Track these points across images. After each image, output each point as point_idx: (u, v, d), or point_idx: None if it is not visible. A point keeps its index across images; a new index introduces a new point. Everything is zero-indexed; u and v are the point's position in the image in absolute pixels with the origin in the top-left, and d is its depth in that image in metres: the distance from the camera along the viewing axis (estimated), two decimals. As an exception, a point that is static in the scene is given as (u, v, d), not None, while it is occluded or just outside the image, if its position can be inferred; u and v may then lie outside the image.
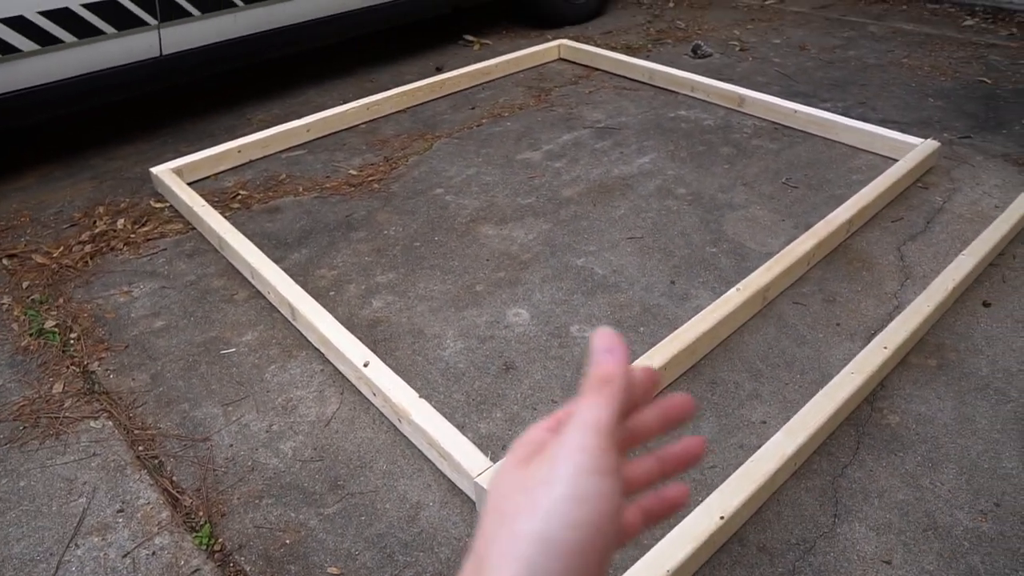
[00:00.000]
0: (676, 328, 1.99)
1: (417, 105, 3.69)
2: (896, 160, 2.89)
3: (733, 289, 2.12)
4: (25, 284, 2.50)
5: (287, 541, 1.59)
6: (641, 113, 3.49)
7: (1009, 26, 4.70)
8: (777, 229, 2.59)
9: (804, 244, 2.32)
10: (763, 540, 1.56)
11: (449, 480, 1.69)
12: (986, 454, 1.75)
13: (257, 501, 1.69)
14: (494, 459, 1.64)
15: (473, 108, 3.64)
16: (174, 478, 1.76)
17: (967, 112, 3.49)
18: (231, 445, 1.83)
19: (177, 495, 1.71)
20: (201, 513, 1.67)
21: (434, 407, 1.78)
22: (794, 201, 2.75)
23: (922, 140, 2.96)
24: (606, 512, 0.42)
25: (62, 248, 2.69)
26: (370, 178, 3.03)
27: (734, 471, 1.70)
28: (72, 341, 2.22)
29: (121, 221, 2.84)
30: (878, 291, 2.29)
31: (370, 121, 3.53)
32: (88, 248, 2.68)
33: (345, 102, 3.54)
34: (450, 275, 2.40)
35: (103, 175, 3.18)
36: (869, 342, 2.07)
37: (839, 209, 2.51)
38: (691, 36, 4.56)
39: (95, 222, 2.84)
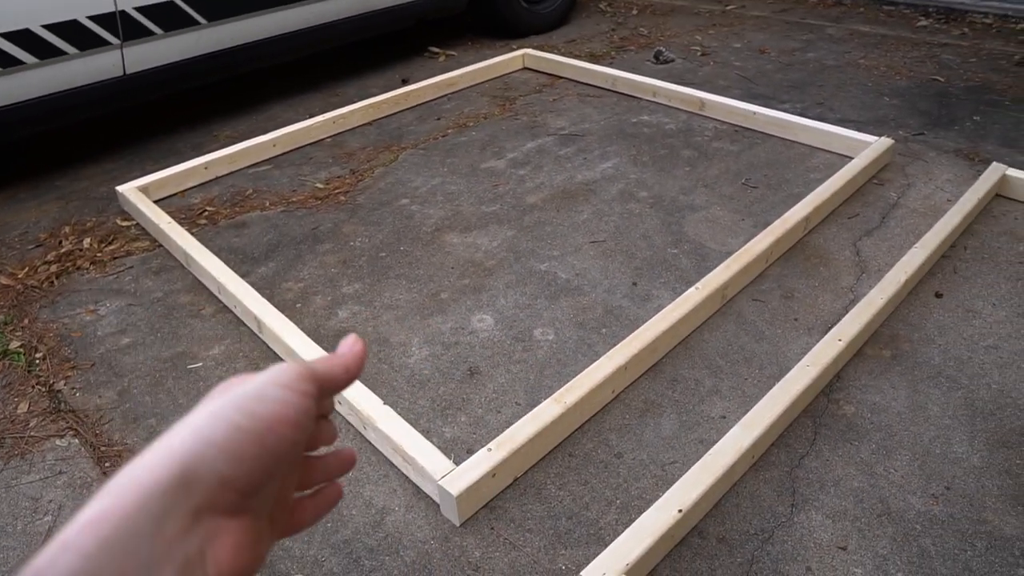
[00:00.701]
0: (637, 328, 2.02)
1: (383, 117, 3.71)
2: (852, 158, 2.95)
3: (692, 288, 2.16)
4: (-10, 306, 2.49)
5: (254, 550, 1.60)
6: (604, 119, 3.54)
7: (961, 26, 4.81)
8: (737, 228, 2.64)
9: (762, 242, 2.37)
10: (722, 532, 1.60)
11: (414, 484, 1.72)
12: (937, 440, 1.80)
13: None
14: (457, 462, 1.67)
15: (439, 119, 3.67)
16: (141, 493, 1.76)
17: (921, 110, 3.57)
18: (198, 458, 1.84)
19: (144, 509, 1.72)
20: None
21: (399, 413, 1.80)
22: (753, 201, 2.81)
23: (877, 138, 3.03)
24: (284, 419, 0.44)
25: (27, 269, 2.68)
26: (336, 191, 3.05)
27: (693, 465, 1.73)
28: (37, 361, 2.22)
29: (87, 240, 2.84)
30: (835, 286, 2.34)
31: (336, 135, 3.55)
32: (54, 268, 2.67)
33: (311, 116, 3.56)
34: (416, 283, 2.42)
35: (69, 195, 3.18)
36: (824, 334, 2.12)
37: (796, 207, 2.56)
38: (654, 42, 4.63)
39: (60, 242, 2.84)
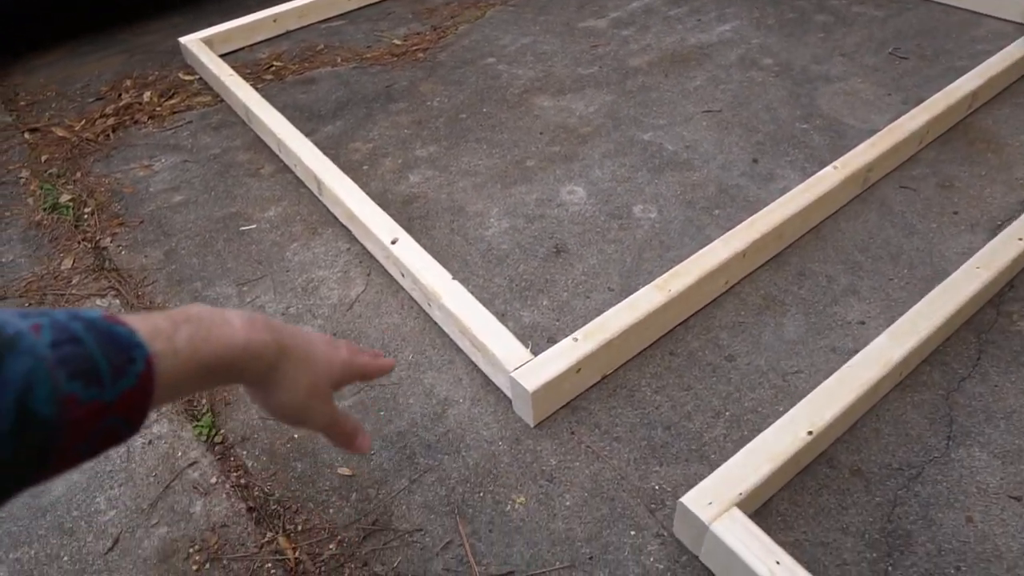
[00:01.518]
0: (758, 211, 1.67)
1: (472, -28, 3.31)
2: (1028, 29, 2.44)
3: (829, 167, 1.78)
4: (44, 158, 2.31)
5: (295, 436, 1.39)
6: (724, -21, 3.06)
7: None
8: (882, 104, 2.20)
9: (916, 119, 1.95)
10: (858, 462, 1.29)
11: (483, 374, 1.46)
12: None
13: (266, 391, 1.48)
14: (536, 351, 1.39)
15: (533, -25, 3.25)
16: (178, 362, 1.56)
17: (1114, -22, 2.94)
18: (243, 329, 1.62)
19: (180, 381, 1.52)
20: (204, 401, 1.47)
21: (470, 291, 1.53)
22: (903, 74, 2.35)
23: (1063, 4, 2.49)
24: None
25: (84, 122, 2.48)
26: (415, 47, 2.72)
27: (825, 378, 1.41)
28: (86, 216, 2.03)
29: (147, 94, 2.61)
30: (1006, 176, 1.91)
31: (419, -11, 3.18)
32: (111, 121, 2.47)
33: (392, -33, 3.19)
34: (498, 149, 2.11)
35: (133, 49, 2.95)
36: (995, 234, 1.72)
37: (959, 81, 2.11)
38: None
39: (120, 95, 2.62)
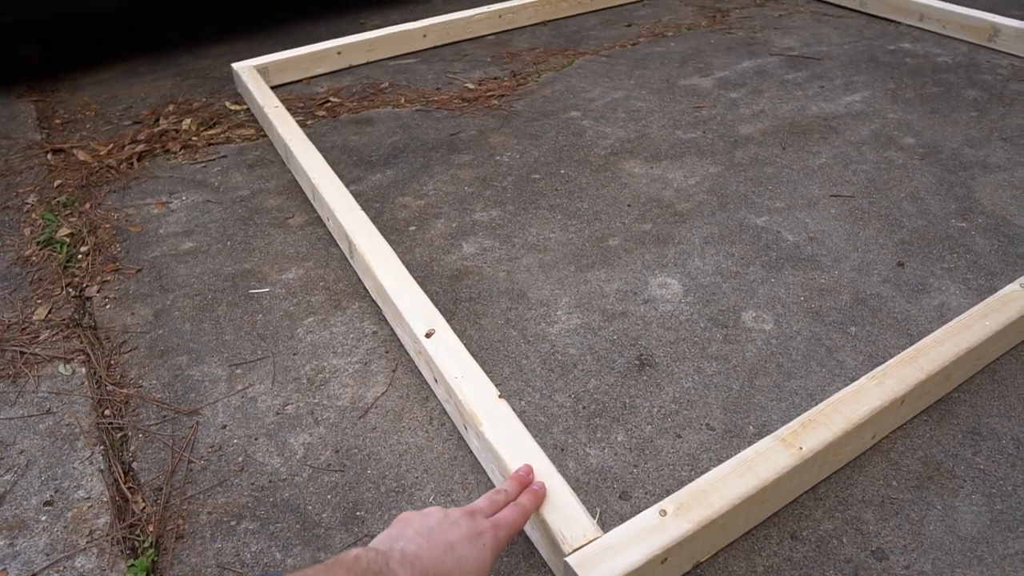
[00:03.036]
0: (909, 332, 1.24)
1: (561, 19, 3.00)
2: None
3: (1016, 284, 1.33)
4: (57, 183, 2.02)
5: (259, 601, 1.00)
6: (848, 43, 2.66)
7: None
8: (1061, 204, 1.75)
9: (1121, 228, 1.49)
10: None
11: (528, 541, 1.04)
12: None
13: (233, 523, 1.10)
14: (606, 524, 0.97)
15: (629, 25, 2.91)
16: (134, 464, 1.20)
17: None
18: (224, 426, 1.25)
19: (128, 493, 1.15)
20: (151, 529, 1.10)
21: (517, 409, 1.13)
22: (1083, 168, 1.89)
23: None
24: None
25: (112, 146, 2.20)
26: (489, 93, 2.38)
27: (1029, 606, 0.95)
28: (80, 256, 1.72)
29: (187, 121, 2.33)
30: None
31: (501, 32, 2.88)
32: (140, 148, 2.18)
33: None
34: (575, 220, 1.72)
35: (187, 73, 2.70)
36: None
37: None
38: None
39: (158, 120, 2.34)
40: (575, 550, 0.91)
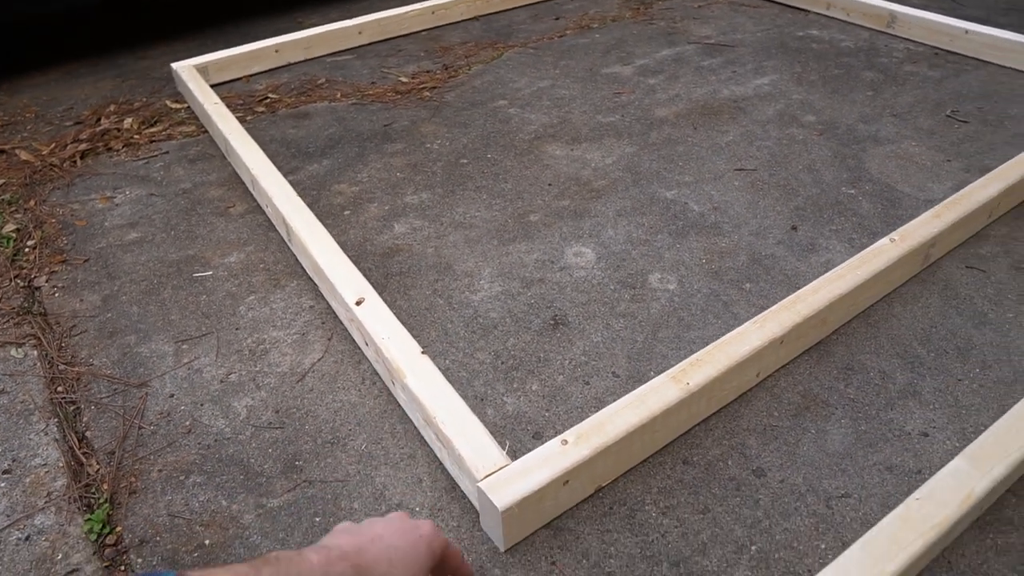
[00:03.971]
0: (797, 287, 1.39)
1: (492, 13, 3.12)
2: (1103, 98, 2.17)
3: (886, 239, 1.50)
4: (0, 182, 2.08)
5: (206, 542, 1.10)
6: (761, 31, 2.83)
7: None
8: (940, 171, 1.93)
9: (986, 189, 1.67)
10: (926, 624, 0.98)
11: (449, 475, 1.17)
12: None
13: (182, 478, 1.20)
14: (514, 453, 1.10)
15: (557, 18, 3.05)
16: (87, 433, 1.29)
17: None
18: (172, 395, 1.35)
19: (83, 458, 1.25)
20: (105, 487, 1.19)
21: (445, 368, 1.25)
22: (963, 139, 2.07)
23: None
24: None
25: (54, 146, 2.27)
26: (422, 86, 2.50)
27: (879, 507, 1.11)
28: (27, 250, 1.79)
29: (128, 120, 2.40)
30: (1091, 260, 1.62)
31: (434, 28, 2.99)
32: (82, 147, 2.25)
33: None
34: (499, 200, 1.85)
35: (128, 74, 2.76)
36: (1086, 329, 1.43)
37: (1033, 148, 1.83)
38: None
39: (100, 120, 2.41)
40: (486, 476, 1.04)
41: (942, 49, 2.62)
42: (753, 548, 1.07)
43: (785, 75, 2.46)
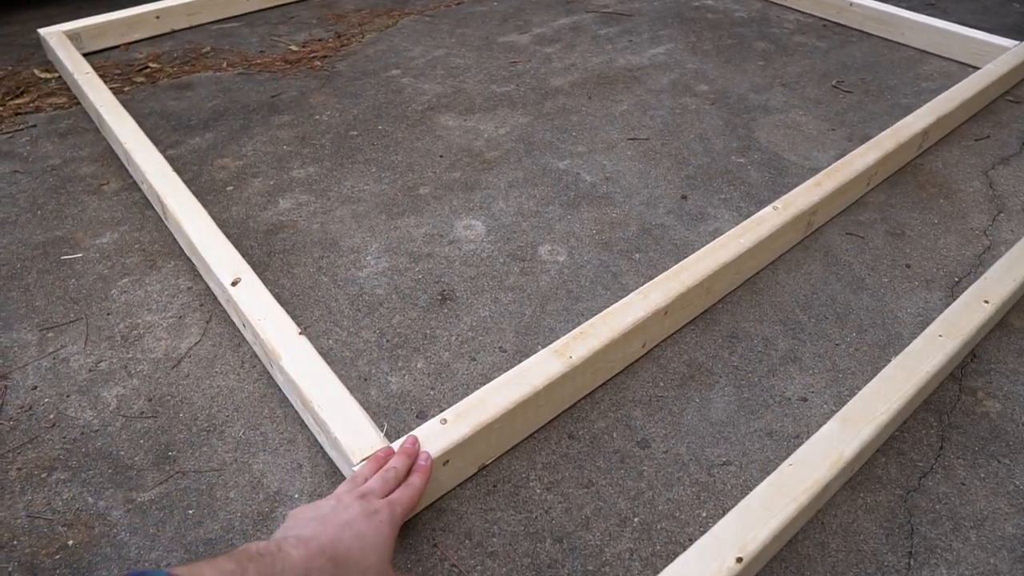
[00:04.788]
0: (686, 256, 1.40)
1: (389, -20, 3.02)
2: (976, 69, 2.26)
3: (768, 208, 1.52)
4: None
5: (69, 543, 1.04)
6: (659, 1, 2.83)
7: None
8: (825, 140, 1.97)
9: (865, 157, 1.72)
10: (799, 585, 1.01)
11: (329, 460, 1.13)
12: None
13: (44, 475, 1.13)
14: (393, 433, 1.07)
15: (455, -15, 2.98)
16: (-62, 432, 1.20)
17: (1060, 21, 2.82)
18: (35, 387, 1.27)
19: (-69, 459, 1.16)
20: (-43, 487, 1.11)
21: (328, 348, 1.21)
22: (847, 108, 2.13)
23: (1016, 42, 2.32)
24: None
25: (-93, 119, 2.09)
26: (312, 55, 2.41)
27: (759, 472, 1.13)
28: None
29: (-8, 90, 2.23)
30: (961, 226, 1.69)
31: (328, -6, 2.88)
32: (-60, 120, 2.08)
33: (297, -34, 2.88)
34: (389, 172, 1.80)
35: (-8, 39, 2.56)
36: (953, 292, 1.49)
37: (910, 117, 1.89)
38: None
39: (-40, 90, 2.23)
40: (363, 460, 1.00)
41: (830, 21, 2.68)
42: (636, 520, 1.07)
43: (680, 44, 2.48)
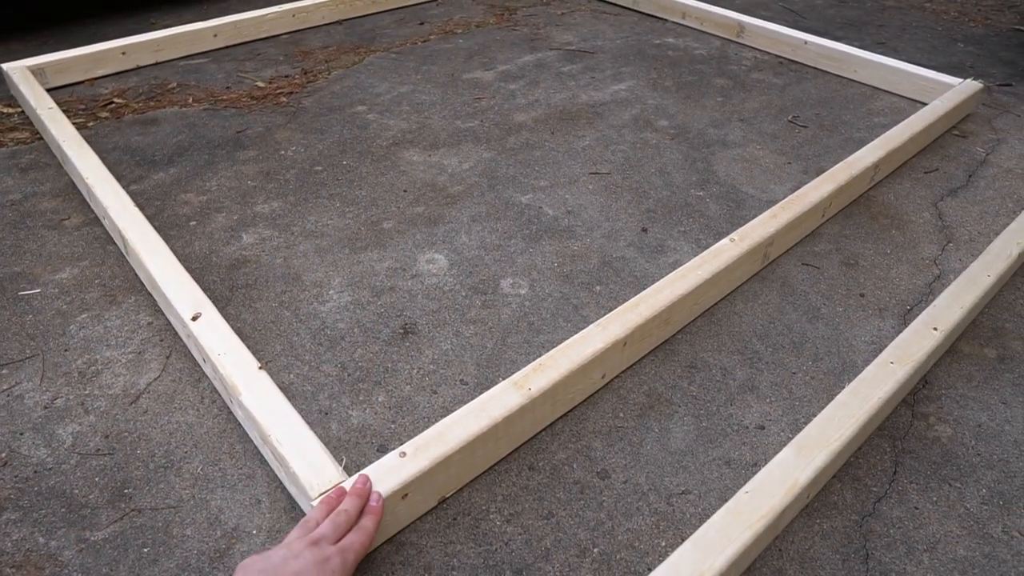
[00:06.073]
0: (646, 287, 1.42)
1: (356, 17, 3.07)
2: (924, 104, 2.34)
3: (726, 239, 1.55)
4: None
5: (14, 583, 1.02)
6: (621, 39, 2.90)
7: (1043, -24, 4.14)
8: (782, 173, 2.02)
9: (819, 189, 1.76)
10: (756, 612, 1.01)
11: (289, 496, 1.13)
12: (1078, 487, 1.21)
13: (-5, 515, 1.11)
14: (352, 468, 1.07)
15: (421, 23, 3.03)
16: None
17: (1004, 60, 2.93)
18: (-12, 426, 1.25)
19: None
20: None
21: (289, 382, 1.21)
22: (803, 142, 2.19)
23: (960, 80, 2.41)
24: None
25: None
26: (279, 91, 2.42)
27: (718, 500, 1.14)
28: None
29: (-47, 126, 2.22)
30: (912, 256, 1.73)
31: (295, 31, 2.91)
32: (-102, 155, 2.06)
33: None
34: (353, 207, 1.81)
35: (-45, 75, 2.54)
36: (905, 320, 1.52)
37: (862, 151, 1.95)
38: (685, -35, 3.96)
39: (-81, 126, 2.22)
40: (321, 494, 1.00)
41: (786, 58, 2.76)
42: (596, 550, 1.08)
43: (641, 81, 2.53)
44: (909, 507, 1.16)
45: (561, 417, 1.27)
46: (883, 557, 1.09)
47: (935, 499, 1.18)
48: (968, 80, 2.41)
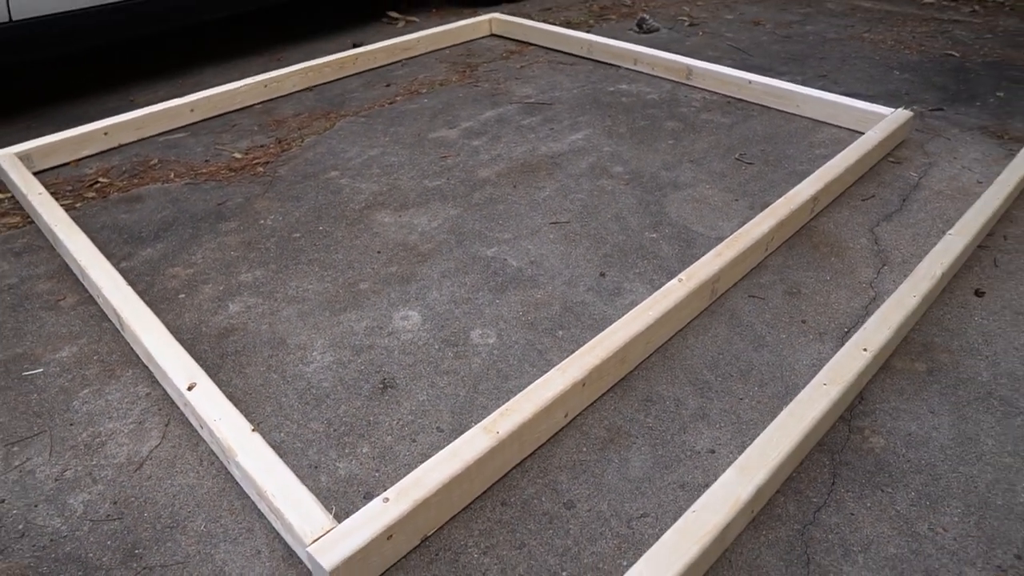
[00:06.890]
0: (605, 329, 1.56)
1: (325, 83, 3.23)
2: (863, 134, 2.51)
3: (674, 280, 1.69)
4: None
5: (45, 643, 1.13)
6: (577, 88, 3.07)
7: (971, 3, 4.39)
8: (730, 210, 2.18)
9: (761, 225, 1.92)
10: (710, 619, 1.14)
11: (286, 545, 1.24)
12: (997, 485, 1.34)
13: (18, 582, 1.22)
14: (341, 515, 1.19)
15: (388, 85, 3.19)
16: (-87, 551, 1.28)
17: (937, 85, 3.13)
18: (2, 500, 1.36)
19: (-91, 576, 1.24)
20: (-65, 603, 1.19)
21: (280, 440, 1.33)
22: (749, 179, 2.35)
23: (892, 110, 2.58)
24: None
25: None
26: (255, 161, 2.57)
27: (674, 521, 1.27)
28: None
29: (-53, 215, 2.34)
30: (850, 280, 1.88)
31: (268, 100, 3.06)
32: None
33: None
34: (331, 271, 1.94)
35: (-55, 164, 2.67)
36: (844, 343, 1.66)
37: (802, 185, 2.11)
38: (637, 12, 4.17)
39: (-85, 217, 2.33)
40: (315, 540, 1.12)
41: (732, 97, 2.94)
42: (564, 574, 1.20)
43: (597, 129, 2.70)
44: (846, 514, 1.29)
45: (529, 456, 1.40)
46: (822, 560, 1.21)
47: (869, 505, 1.31)
48: (900, 109, 2.59)
